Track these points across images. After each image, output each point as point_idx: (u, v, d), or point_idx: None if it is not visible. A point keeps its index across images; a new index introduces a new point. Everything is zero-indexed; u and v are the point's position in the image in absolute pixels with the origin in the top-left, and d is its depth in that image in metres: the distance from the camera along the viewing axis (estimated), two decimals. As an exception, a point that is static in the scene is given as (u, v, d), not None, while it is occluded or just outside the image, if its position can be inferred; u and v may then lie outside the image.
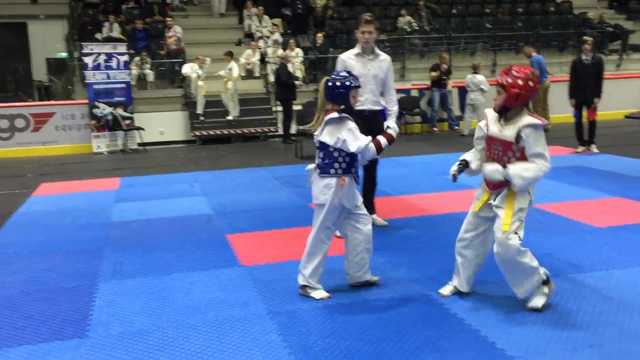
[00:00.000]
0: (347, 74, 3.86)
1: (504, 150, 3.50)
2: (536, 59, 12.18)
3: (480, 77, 12.33)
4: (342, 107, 3.79)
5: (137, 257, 4.89)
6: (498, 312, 3.57)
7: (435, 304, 3.75)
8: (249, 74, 14.00)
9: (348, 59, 5.24)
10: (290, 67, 13.11)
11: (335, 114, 3.73)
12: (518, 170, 3.40)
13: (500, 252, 3.49)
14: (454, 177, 3.79)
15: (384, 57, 5.35)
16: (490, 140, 3.60)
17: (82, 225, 6.04)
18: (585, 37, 9.54)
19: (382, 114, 5.38)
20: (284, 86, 12.13)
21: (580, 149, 9.44)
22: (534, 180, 3.42)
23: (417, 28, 15.68)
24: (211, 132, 12.58)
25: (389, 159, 9.03)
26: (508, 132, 3.46)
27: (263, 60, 14.03)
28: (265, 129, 12.93)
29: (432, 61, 13.72)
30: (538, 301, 3.55)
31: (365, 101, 5.20)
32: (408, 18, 15.79)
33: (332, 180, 3.75)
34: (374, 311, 3.67)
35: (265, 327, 3.50)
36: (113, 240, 5.44)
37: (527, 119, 3.42)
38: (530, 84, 3.40)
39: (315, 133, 3.83)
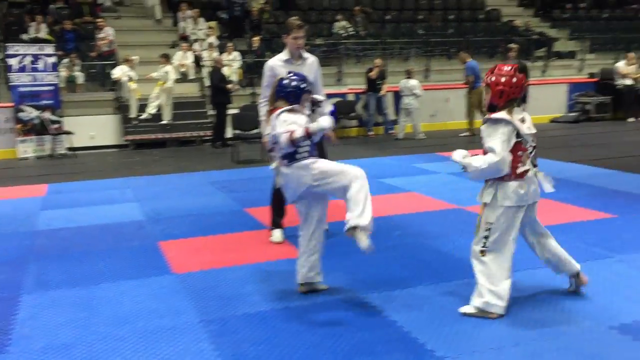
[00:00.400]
0: (302, 77, 3.96)
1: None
2: (470, 64, 12.55)
3: (413, 82, 12.58)
4: (293, 105, 3.82)
5: (64, 266, 4.71)
6: (430, 315, 3.63)
7: (367, 307, 3.78)
8: (183, 77, 13.78)
9: (277, 66, 5.05)
10: (226, 71, 13.00)
11: (286, 107, 3.80)
12: (472, 160, 3.48)
13: None
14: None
15: (312, 58, 5.24)
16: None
17: (6, 234, 5.77)
18: (511, 45, 9.95)
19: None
20: (217, 90, 12.00)
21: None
22: (482, 171, 3.45)
23: (352, 33, 15.86)
24: (144, 137, 12.29)
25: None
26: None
27: (198, 63, 13.85)
28: (201, 133, 12.75)
29: (367, 65, 13.89)
30: (468, 308, 3.61)
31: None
32: (344, 23, 15.95)
33: (307, 160, 3.75)
34: (307, 317, 3.66)
35: (197, 336, 3.44)
36: (38, 249, 5.23)
37: (493, 115, 3.49)
38: (514, 80, 3.45)
39: (266, 133, 3.86)
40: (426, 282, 4.16)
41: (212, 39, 14.12)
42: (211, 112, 12.81)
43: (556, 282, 4.01)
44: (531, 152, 3.60)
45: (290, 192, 3.87)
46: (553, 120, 14.79)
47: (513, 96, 3.47)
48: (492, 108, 3.54)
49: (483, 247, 3.59)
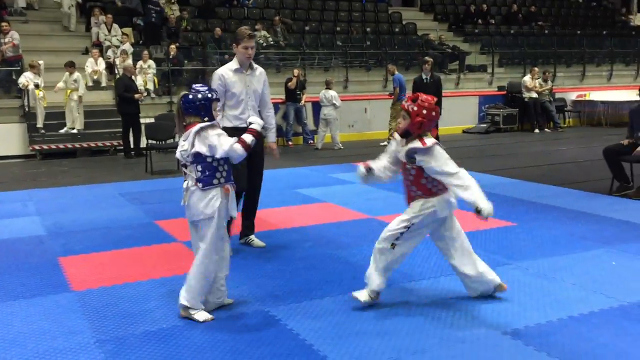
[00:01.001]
0: (206, 87, 3.78)
1: (404, 171, 3.82)
2: (397, 77, 12.85)
3: (332, 93, 12.71)
4: (206, 119, 3.68)
5: (-50, 287, 4.40)
6: (333, 325, 3.64)
7: (272, 320, 3.75)
8: (95, 85, 13.31)
9: (226, 75, 4.95)
10: (140, 79, 12.67)
11: (202, 124, 3.62)
12: (477, 199, 3.64)
13: None
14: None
15: (260, 70, 5.17)
16: (399, 161, 3.85)
17: None
18: (426, 58, 10.24)
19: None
20: (121, 99, 11.67)
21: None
22: (476, 191, 3.65)
23: (272, 43, 15.87)
24: (53, 146, 11.74)
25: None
26: (403, 152, 3.72)
27: (112, 70, 13.41)
28: (114, 143, 12.33)
29: (287, 75, 13.93)
30: (361, 295, 3.84)
31: (246, 118, 4.84)
32: (264, 32, 15.92)
33: (218, 191, 3.65)
34: (209, 332, 3.59)
35: (91, 356, 3.29)
36: None
37: (415, 142, 3.65)
38: (433, 114, 3.66)
39: (182, 149, 3.66)
40: (333, 293, 4.18)
41: (127, 46, 13.72)
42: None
43: (456, 290, 4.13)
44: None
45: (191, 212, 3.73)
46: (465, 131, 15.36)
47: (428, 128, 3.71)
48: (407, 134, 3.73)
49: (395, 240, 3.76)
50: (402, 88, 12.75)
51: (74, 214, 6.80)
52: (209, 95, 3.71)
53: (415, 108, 3.65)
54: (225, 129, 4.98)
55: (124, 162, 11.31)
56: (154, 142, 10.50)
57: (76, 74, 11.73)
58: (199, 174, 3.66)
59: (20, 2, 15.07)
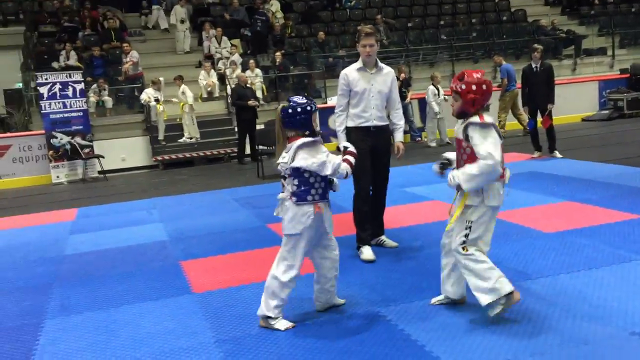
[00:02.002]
0: (306, 98, 3.78)
1: (458, 149, 3.62)
2: (505, 67, 12.43)
3: (431, 89, 12.55)
4: (307, 132, 3.68)
5: (87, 291, 4.80)
6: (445, 325, 3.57)
7: (383, 320, 3.74)
8: (209, 96, 13.99)
9: (350, 74, 5.01)
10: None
11: (307, 139, 3.63)
12: (461, 173, 3.47)
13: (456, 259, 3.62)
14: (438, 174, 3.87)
15: (388, 70, 5.10)
16: (456, 141, 3.69)
17: (33, 260, 5.91)
18: (535, 45, 9.73)
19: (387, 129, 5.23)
20: (237, 108, 12.13)
21: (536, 154, 9.58)
22: (478, 179, 3.42)
23: (376, 42, 15.83)
24: (173, 156, 12.50)
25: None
26: (459, 130, 3.57)
27: (223, 81, 14.04)
28: (228, 150, 12.88)
29: (392, 74, 13.85)
30: (493, 310, 3.53)
31: (370, 117, 5.03)
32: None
33: (310, 208, 3.66)
34: (320, 333, 3.64)
35: (211, 356, 3.45)
36: (63, 274, 5.33)
37: (473, 118, 3.49)
38: (484, 87, 3.49)
39: (282, 161, 3.70)
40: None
41: (236, 57, 14.29)
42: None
43: (577, 288, 3.90)
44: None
45: (284, 226, 3.78)
46: (585, 119, 14.47)
47: (484, 103, 3.51)
48: (463, 115, 3.56)
49: (463, 243, 3.54)
50: (511, 78, 12.27)
51: (193, 219, 7.19)
52: (308, 108, 3.66)
53: (464, 86, 3.47)
54: (348, 128, 5.07)
55: (237, 168, 11.79)
56: (264, 147, 10.85)
57: (183, 86, 12.40)
58: (295, 187, 3.68)
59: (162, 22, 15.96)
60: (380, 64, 5.08)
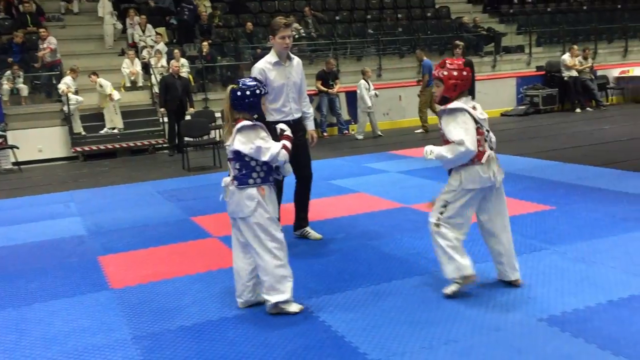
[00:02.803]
0: (255, 81, 3.73)
1: (442, 138, 3.75)
2: (426, 63, 12.70)
3: (362, 82, 12.69)
4: (255, 116, 3.69)
5: (-4, 288, 4.57)
6: (364, 316, 3.63)
7: (305, 313, 3.75)
8: (132, 85, 13.57)
9: (267, 69, 4.87)
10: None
11: (247, 122, 3.62)
12: (437, 152, 3.66)
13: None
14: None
15: (297, 60, 5.07)
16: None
17: (-62, 257, 5.56)
18: (457, 42, 10.07)
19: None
20: (162, 98, 11.78)
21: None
22: (449, 162, 3.62)
23: (304, 35, 15.86)
24: (94, 147, 12.05)
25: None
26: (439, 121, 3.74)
27: (147, 70, 13.64)
28: (153, 141, 12.56)
29: (320, 67, 13.91)
30: (448, 288, 3.79)
31: (289, 111, 4.96)
32: (295, 25, 15.92)
33: (254, 190, 3.62)
34: (242, 326, 3.62)
35: (128, 353, 3.37)
36: (-29, 271, 5.05)
37: (450, 104, 3.64)
38: (464, 73, 3.66)
39: (227, 144, 3.68)
40: (366, 284, 4.16)
41: (161, 46, 13.93)
42: (162, 119, 12.63)
43: (490, 277, 4.06)
44: (486, 137, 3.73)
45: (229, 210, 3.76)
46: (503, 114, 15.05)
47: (464, 88, 3.68)
48: (445, 100, 3.71)
49: (437, 220, 3.73)
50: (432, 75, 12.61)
51: (114, 213, 6.97)
52: (257, 92, 3.64)
53: (446, 73, 3.65)
54: (267, 123, 5.01)
55: (162, 160, 11.51)
56: (190, 139, 10.65)
57: (98, 80, 12.01)
58: (236, 171, 3.66)
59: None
60: (291, 55, 5.03)
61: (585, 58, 15.01)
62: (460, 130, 3.55)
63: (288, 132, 3.84)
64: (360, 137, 12.66)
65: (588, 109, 14.71)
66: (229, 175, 3.76)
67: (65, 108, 12.04)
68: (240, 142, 3.59)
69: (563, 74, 14.83)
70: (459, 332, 3.33)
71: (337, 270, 4.49)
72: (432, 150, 3.69)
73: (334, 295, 4.01)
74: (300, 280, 4.31)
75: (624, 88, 16.33)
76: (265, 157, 3.60)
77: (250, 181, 3.65)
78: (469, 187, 3.67)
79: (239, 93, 3.64)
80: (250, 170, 3.64)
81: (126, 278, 4.63)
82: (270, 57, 4.94)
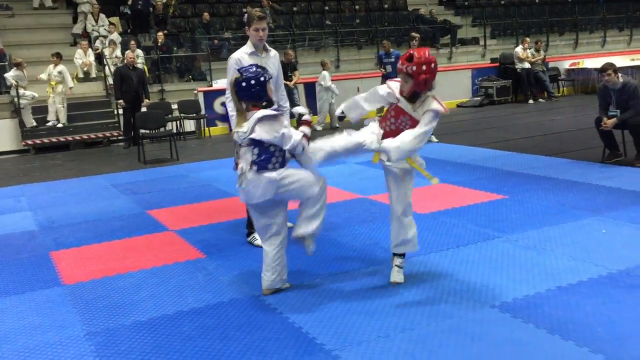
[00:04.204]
0: (258, 68, 3.73)
1: (412, 126, 3.67)
2: (395, 54, 12.77)
3: (327, 74, 12.71)
4: (264, 103, 3.67)
5: (-58, 286, 4.40)
6: (322, 308, 3.65)
7: (262, 305, 3.76)
8: (85, 76, 13.24)
9: (243, 59, 4.80)
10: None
11: (267, 112, 3.61)
12: (394, 143, 3.59)
13: None
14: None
15: (274, 52, 5.01)
16: (398, 111, 3.72)
17: None
18: (413, 34, 10.13)
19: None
20: (116, 89, 11.52)
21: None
22: (407, 150, 3.61)
23: (261, 25, 15.71)
24: (45, 140, 11.71)
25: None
26: (418, 114, 3.64)
27: (101, 61, 13.33)
28: (107, 134, 12.29)
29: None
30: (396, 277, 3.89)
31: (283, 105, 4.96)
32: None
33: (273, 174, 3.64)
34: (200, 319, 3.60)
35: (81, 350, 3.30)
36: None
37: (434, 105, 3.61)
38: (433, 66, 3.54)
39: (241, 130, 3.65)
40: (322, 275, 4.18)
41: (114, 36, 13.62)
42: (117, 111, 12.37)
43: (444, 266, 4.14)
44: None
45: (247, 197, 3.74)
46: (459, 105, 15.29)
47: (432, 81, 3.59)
48: (415, 95, 3.64)
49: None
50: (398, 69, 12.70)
51: (66, 207, 6.80)
52: (262, 79, 3.66)
53: (415, 68, 3.52)
54: None
55: (117, 153, 11.28)
56: (146, 131, 10.46)
57: (61, 67, 11.62)
58: (255, 157, 3.66)
59: None
60: (268, 47, 5.03)
61: (537, 50, 15.36)
62: (431, 128, 3.62)
63: (307, 116, 3.86)
64: (319, 127, 12.67)
65: (540, 100, 15.08)
66: (236, 163, 3.80)
67: (15, 100, 11.65)
68: (263, 132, 3.60)
69: (516, 66, 15.14)
70: (414, 321, 3.39)
71: (294, 262, 4.47)
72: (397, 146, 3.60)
73: (292, 288, 4.01)
74: (257, 273, 4.30)
75: (574, 80, 16.79)
76: (286, 146, 3.64)
77: (270, 166, 3.67)
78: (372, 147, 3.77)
79: (243, 84, 3.65)
80: (269, 155, 3.66)
81: (79, 273, 4.54)
82: (246, 47, 4.94)
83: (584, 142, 8.47)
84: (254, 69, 3.72)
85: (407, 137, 3.60)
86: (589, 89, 16.40)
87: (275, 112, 3.68)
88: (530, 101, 14.91)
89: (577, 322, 3.24)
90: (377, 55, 13.07)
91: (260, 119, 3.61)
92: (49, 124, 11.88)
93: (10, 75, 11.46)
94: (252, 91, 3.65)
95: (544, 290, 3.67)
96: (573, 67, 16.95)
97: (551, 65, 16.31)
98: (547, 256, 4.25)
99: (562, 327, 3.19)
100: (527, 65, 15.00)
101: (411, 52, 3.62)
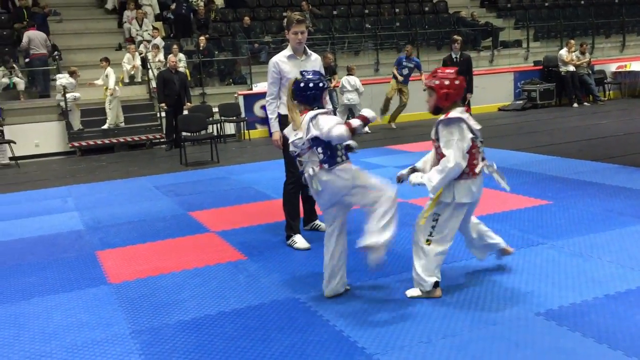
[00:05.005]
0: (318, 74, 3.78)
1: (435, 149, 3.72)
2: (416, 60, 12.71)
3: (355, 79, 12.67)
4: (316, 107, 3.71)
5: (-6, 283, 4.57)
6: (362, 310, 3.64)
7: (303, 307, 3.77)
8: (130, 80, 13.55)
9: (281, 62, 4.93)
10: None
11: (320, 110, 3.67)
12: (426, 177, 3.61)
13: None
14: (399, 179, 3.95)
15: (315, 56, 5.09)
16: (432, 142, 3.76)
17: None
18: (455, 37, 10.05)
19: None
20: (160, 92, 11.73)
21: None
22: (441, 180, 3.54)
23: (301, 29, 15.80)
24: (91, 142, 12.03)
25: (276, 162, 9.06)
26: (433, 131, 3.67)
27: (145, 65, 13.61)
28: (150, 136, 12.54)
29: (317, 62, 13.87)
30: (413, 291, 3.79)
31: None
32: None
33: (344, 165, 3.67)
34: (242, 320, 3.63)
35: (127, 347, 3.37)
36: (-31, 266, 5.05)
37: (441, 116, 3.60)
38: (457, 82, 3.60)
39: (296, 138, 3.70)
40: (363, 279, 4.17)
41: (158, 40, 13.89)
42: (160, 114, 12.61)
43: (488, 272, 4.08)
44: (480, 149, 3.73)
45: (326, 198, 3.74)
46: (501, 109, 15.06)
47: (457, 98, 3.63)
48: (437, 110, 3.68)
49: (429, 236, 3.70)
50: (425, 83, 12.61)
51: (111, 208, 6.96)
52: (320, 85, 3.70)
53: (437, 82, 3.60)
54: (281, 116, 5.00)
55: (160, 155, 11.50)
56: (187, 134, 10.63)
57: (108, 69, 11.93)
58: (322, 155, 3.66)
59: None
60: (309, 51, 5.08)
61: (582, 53, 15.02)
62: (454, 146, 3.52)
63: (366, 113, 3.67)
64: None
65: (585, 103, 14.74)
66: (303, 169, 3.76)
67: (62, 103, 12.00)
68: (314, 128, 3.62)
69: (560, 69, 14.84)
70: (456, 327, 3.35)
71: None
72: (421, 177, 3.65)
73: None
74: (297, 275, 4.34)
75: (621, 83, 16.36)
76: (322, 136, 3.62)
77: (338, 159, 3.68)
78: (463, 201, 3.64)
79: (302, 84, 3.69)
80: (334, 149, 3.66)
81: (124, 273, 4.64)
82: (286, 50, 5.02)
83: (632, 147, 8.24)
84: (316, 74, 3.78)
85: (432, 175, 3.59)
86: (636, 92, 15.97)
87: (325, 110, 3.70)
88: (575, 105, 14.59)
89: (625, 332, 3.15)
90: (397, 58, 12.98)
91: (313, 117, 3.63)
92: (106, 125, 12.18)
93: (63, 82, 11.76)
94: (307, 94, 3.68)
95: (591, 298, 3.58)
96: (620, 69, 16.52)
97: (597, 68, 15.93)
98: (593, 263, 4.14)
99: (610, 337, 3.11)
100: (571, 68, 14.68)
101: (436, 69, 3.76)
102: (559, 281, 3.87)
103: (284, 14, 16.17)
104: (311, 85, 3.68)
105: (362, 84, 12.83)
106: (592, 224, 5.04)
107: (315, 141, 3.65)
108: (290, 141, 3.77)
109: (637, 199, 5.72)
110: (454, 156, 3.50)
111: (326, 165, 3.65)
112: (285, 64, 4.95)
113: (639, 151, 7.67)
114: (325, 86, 3.75)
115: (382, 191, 3.65)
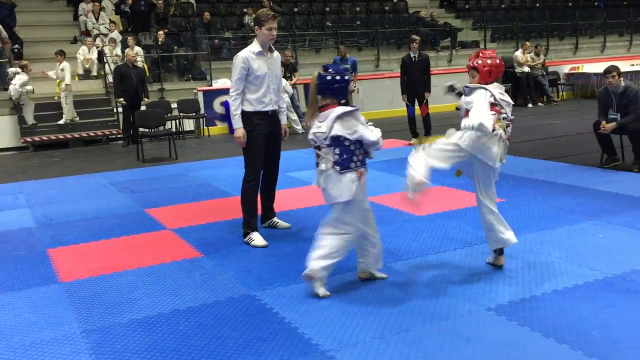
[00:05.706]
0: (341, 67, 3.78)
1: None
2: (352, 60, 12.81)
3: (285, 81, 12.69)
4: (342, 101, 3.68)
5: (-62, 282, 4.40)
6: (318, 308, 3.66)
7: (258, 305, 3.76)
8: (86, 74, 13.24)
9: (251, 59, 4.85)
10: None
11: (346, 108, 3.64)
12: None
13: None
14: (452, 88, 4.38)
15: (277, 53, 5.10)
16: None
17: None
18: (413, 36, 10.11)
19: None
20: (117, 88, 11.50)
21: (414, 140, 10.03)
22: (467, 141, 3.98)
23: (261, 26, 15.71)
24: (45, 137, 11.70)
25: (235, 158, 9.00)
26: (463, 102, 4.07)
27: (101, 59, 13.32)
28: (106, 132, 12.29)
29: (277, 58, 13.83)
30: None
31: (269, 101, 4.95)
32: (254, 16, 15.77)
33: (354, 174, 3.67)
34: (196, 318, 3.60)
35: (77, 347, 3.31)
36: None
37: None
38: (497, 61, 3.93)
39: (319, 131, 3.66)
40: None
41: (115, 34, 13.62)
42: (117, 109, 12.36)
43: (441, 269, 4.14)
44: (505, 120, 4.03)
45: (331, 196, 3.76)
46: (458, 108, 15.22)
47: (499, 75, 3.95)
48: None
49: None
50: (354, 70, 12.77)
51: (64, 205, 6.80)
52: (346, 77, 3.70)
53: (480, 61, 3.90)
54: (244, 112, 4.95)
55: (116, 151, 11.28)
56: (145, 130, 10.46)
57: (64, 63, 11.62)
58: (337, 157, 3.66)
59: None
60: (272, 47, 5.06)
61: (537, 54, 15.37)
62: (484, 114, 3.76)
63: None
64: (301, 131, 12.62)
65: (539, 104, 15.09)
66: (318, 163, 3.78)
67: (13, 94, 11.62)
68: (342, 128, 3.61)
69: (516, 70, 15.15)
70: (409, 322, 3.39)
71: (292, 263, 4.50)
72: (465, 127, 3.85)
73: (288, 287, 4.03)
74: (253, 272, 4.33)
75: (573, 84, 16.80)
76: (373, 138, 3.67)
77: (352, 165, 3.68)
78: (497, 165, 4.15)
79: (328, 77, 3.67)
80: (350, 154, 3.67)
81: (76, 271, 4.54)
82: (254, 47, 4.94)
83: (582, 147, 8.48)
84: (341, 67, 3.82)
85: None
86: (588, 93, 16.43)
87: (352, 108, 3.68)
88: (530, 105, 14.92)
89: (572, 326, 3.25)
90: (333, 60, 13.06)
91: (340, 116, 3.63)
92: (62, 121, 11.86)
93: (17, 83, 11.32)
94: (335, 86, 3.67)
95: (540, 294, 3.68)
96: (573, 71, 16.97)
97: (551, 69, 16.33)
98: (543, 260, 4.26)
99: (557, 331, 3.20)
100: (526, 69, 15.01)
101: (478, 51, 4.10)
102: (509, 277, 3.97)
103: (245, 10, 16.08)
104: (338, 77, 3.67)
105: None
106: (542, 221, 5.17)
107: (336, 141, 3.66)
108: (312, 132, 3.75)
109: (587, 197, 5.90)
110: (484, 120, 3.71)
111: (338, 168, 3.68)
112: (254, 60, 4.90)
113: (590, 151, 7.90)
114: (349, 79, 3.78)
115: (346, 232, 3.75)
